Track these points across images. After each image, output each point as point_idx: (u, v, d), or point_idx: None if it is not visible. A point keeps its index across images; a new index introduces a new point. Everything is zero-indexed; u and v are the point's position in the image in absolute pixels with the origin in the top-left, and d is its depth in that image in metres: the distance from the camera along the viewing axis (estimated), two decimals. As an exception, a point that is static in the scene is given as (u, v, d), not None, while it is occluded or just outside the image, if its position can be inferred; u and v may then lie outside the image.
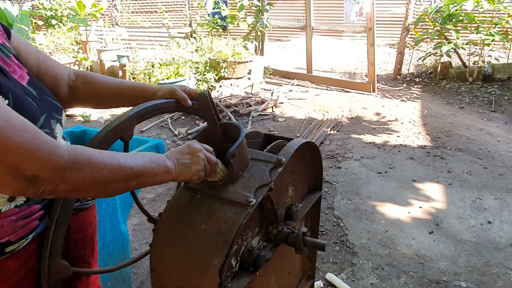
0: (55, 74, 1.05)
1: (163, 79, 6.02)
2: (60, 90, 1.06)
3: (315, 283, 2.24)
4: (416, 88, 6.69)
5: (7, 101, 0.77)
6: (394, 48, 9.12)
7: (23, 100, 0.82)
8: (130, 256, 2.20)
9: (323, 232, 2.77)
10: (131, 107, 0.99)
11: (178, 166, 0.90)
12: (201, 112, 1.10)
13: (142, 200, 3.32)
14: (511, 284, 2.25)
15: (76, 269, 0.97)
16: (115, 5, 10.08)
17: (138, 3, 10.95)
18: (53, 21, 8.01)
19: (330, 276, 2.28)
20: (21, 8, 6.99)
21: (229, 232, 0.93)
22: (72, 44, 7.29)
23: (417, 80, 7.13)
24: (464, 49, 6.82)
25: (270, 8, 7.31)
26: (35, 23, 8.01)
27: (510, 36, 6.50)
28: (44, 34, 7.47)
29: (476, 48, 6.75)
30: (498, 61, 6.83)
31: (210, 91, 1.01)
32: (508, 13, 6.16)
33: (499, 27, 6.31)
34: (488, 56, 6.97)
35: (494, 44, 7.12)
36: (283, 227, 1.17)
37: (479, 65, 6.57)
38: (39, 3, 8.34)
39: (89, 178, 0.73)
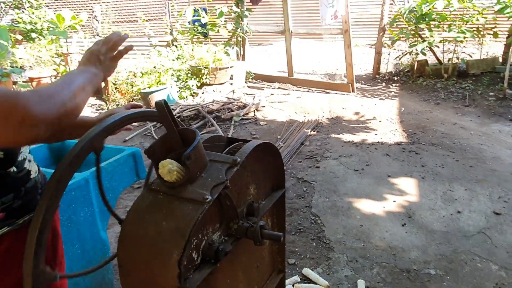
0: None
1: (145, 88, 6.08)
2: None
3: (292, 277, 2.34)
4: (394, 86, 6.86)
5: None
6: (373, 48, 9.31)
7: None
8: (111, 263, 2.27)
9: (301, 230, 2.87)
10: (100, 122, 1.07)
11: (97, 66, 1.09)
12: (160, 120, 1.19)
13: (125, 208, 3.38)
14: (477, 270, 2.37)
15: (61, 274, 1.04)
16: (95, 16, 10.12)
17: (118, 13, 11.00)
18: (33, 35, 8.02)
19: (306, 271, 2.38)
20: None
21: (186, 227, 1.02)
22: (52, 57, 7.30)
23: (395, 78, 7.31)
24: (439, 47, 7.03)
25: (249, 14, 7.44)
26: (14, 37, 8.01)
27: (482, 33, 6.73)
28: (25, 48, 7.48)
29: (450, 45, 6.96)
30: (472, 57, 7.05)
31: (166, 101, 1.14)
32: (478, 11, 6.39)
33: (470, 24, 6.53)
34: (462, 52, 7.19)
35: (467, 41, 7.34)
36: (243, 222, 1.27)
37: (453, 62, 6.78)
38: (19, 17, 8.34)
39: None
